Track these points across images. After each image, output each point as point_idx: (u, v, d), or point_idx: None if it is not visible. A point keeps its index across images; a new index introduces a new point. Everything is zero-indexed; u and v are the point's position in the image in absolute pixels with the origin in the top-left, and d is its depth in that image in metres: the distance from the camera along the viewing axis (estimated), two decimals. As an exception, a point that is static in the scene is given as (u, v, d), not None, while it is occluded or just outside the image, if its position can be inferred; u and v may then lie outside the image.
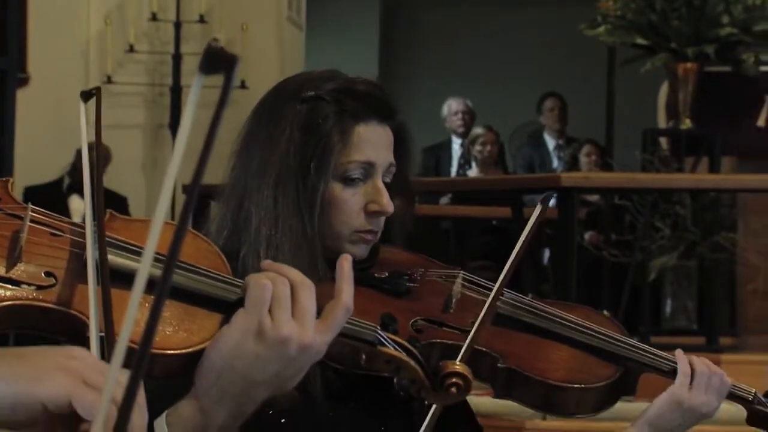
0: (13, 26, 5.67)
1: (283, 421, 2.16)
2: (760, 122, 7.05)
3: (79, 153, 8.59)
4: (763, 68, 6.86)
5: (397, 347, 1.93)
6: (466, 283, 2.42)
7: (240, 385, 1.74)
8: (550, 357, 2.40)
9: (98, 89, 1.81)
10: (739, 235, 6.57)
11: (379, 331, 1.92)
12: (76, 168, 8.72)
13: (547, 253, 9.51)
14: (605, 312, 2.68)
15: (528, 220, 2.44)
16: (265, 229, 2.23)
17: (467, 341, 2.24)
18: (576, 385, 2.38)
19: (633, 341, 2.49)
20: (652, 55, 6.85)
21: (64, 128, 8.75)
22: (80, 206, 8.59)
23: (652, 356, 2.49)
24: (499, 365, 2.28)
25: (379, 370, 1.96)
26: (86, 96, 1.79)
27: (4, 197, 1.71)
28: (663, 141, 7.07)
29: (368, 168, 2.29)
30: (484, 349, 2.31)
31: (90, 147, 1.83)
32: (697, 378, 2.44)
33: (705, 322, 6.70)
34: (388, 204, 2.28)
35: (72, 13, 9.39)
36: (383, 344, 1.92)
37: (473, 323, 2.27)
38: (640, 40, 6.88)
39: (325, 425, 2.31)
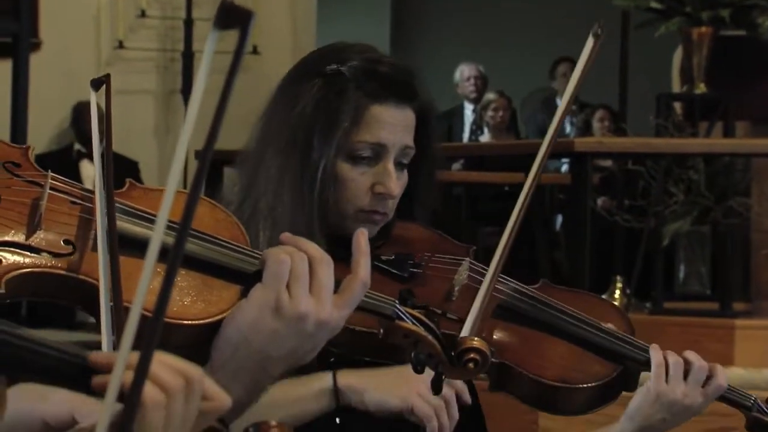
0: (27, -9, 5.67)
1: None
2: (774, 87, 7.03)
3: (77, 108, 8.62)
4: (778, 32, 6.85)
5: (415, 322, 1.92)
6: (472, 273, 2.37)
7: (256, 360, 1.74)
8: (546, 353, 2.36)
9: (108, 76, 1.80)
10: (753, 200, 6.53)
11: (398, 305, 1.91)
12: (78, 121, 8.70)
13: (559, 219, 9.51)
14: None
15: (536, 186, 2.39)
16: (265, 200, 2.24)
17: (466, 325, 2.19)
18: (570, 385, 2.34)
19: (634, 338, 2.43)
20: (667, 19, 6.80)
21: (75, 93, 8.76)
22: (91, 172, 8.57)
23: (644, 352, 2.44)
24: (492, 360, 2.24)
25: (397, 344, 1.95)
26: (97, 84, 1.78)
27: (24, 164, 1.70)
28: (677, 106, 7.04)
29: (379, 149, 2.28)
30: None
31: (99, 119, 1.82)
32: (672, 370, 2.40)
33: (718, 288, 6.67)
34: (394, 187, 2.27)
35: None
36: (401, 318, 1.91)
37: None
38: (654, 4, 6.84)
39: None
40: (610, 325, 2.42)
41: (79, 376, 1.19)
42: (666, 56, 7.57)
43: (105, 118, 1.76)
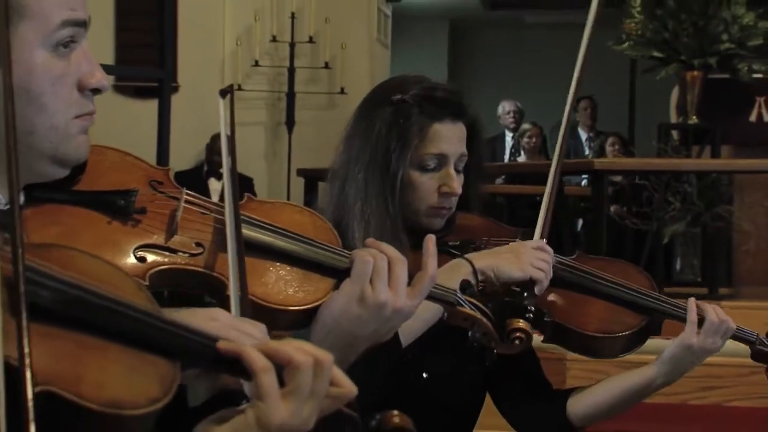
0: (169, 46, 5.72)
1: None
2: (752, 118, 7.00)
3: (213, 138, 8.68)
4: (755, 75, 6.84)
5: (472, 307, 1.91)
6: None
7: (345, 340, 1.73)
8: (587, 311, 2.37)
9: (232, 86, 1.78)
10: (735, 207, 6.51)
11: (459, 294, 1.91)
12: (211, 149, 8.77)
13: (580, 222, 9.44)
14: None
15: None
16: (358, 205, 2.24)
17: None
18: (608, 335, 2.35)
19: (657, 294, 2.43)
20: (666, 65, 6.79)
21: (205, 126, 8.80)
22: (217, 186, 8.64)
23: (672, 307, 2.43)
24: (545, 319, 2.22)
25: (458, 325, 1.94)
26: (223, 93, 1.76)
27: (165, 182, 1.69)
28: (674, 133, 7.00)
29: (441, 158, 2.29)
30: None
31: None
32: (707, 325, 2.39)
33: (707, 276, 6.62)
34: (457, 187, 2.29)
35: (211, 35, 9.44)
36: (461, 305, 1.90)
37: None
38: (656, 54, 6.82)
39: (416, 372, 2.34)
40: (637, 285, 2.43)
41: (209, 357, 1.15)
42: (665, 94, 7.50)
43: (230, 131, 1.73)
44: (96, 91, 1.48)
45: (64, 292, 1.05)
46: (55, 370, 0.98)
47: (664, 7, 6.75)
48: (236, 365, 1.14)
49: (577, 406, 2.49)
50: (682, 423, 4.70)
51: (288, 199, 8.96)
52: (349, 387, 1.21)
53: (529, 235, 2.39)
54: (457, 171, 2.31)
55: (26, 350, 0.94)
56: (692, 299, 2.44)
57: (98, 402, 1.00)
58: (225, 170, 1.71)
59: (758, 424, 4.40)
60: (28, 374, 0.94)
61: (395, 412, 1.21)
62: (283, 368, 1.15)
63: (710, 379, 4.86)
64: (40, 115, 1.41)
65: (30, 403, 0.93)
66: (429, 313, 2.02)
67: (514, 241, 2.37)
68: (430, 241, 1.83)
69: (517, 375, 2.47)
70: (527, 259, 2.22)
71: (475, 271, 2.18)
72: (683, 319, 2.41)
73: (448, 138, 2.29)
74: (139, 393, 1.04)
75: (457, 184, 2.29)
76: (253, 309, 1.64)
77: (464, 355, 2.26)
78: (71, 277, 1.07)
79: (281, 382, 1.15)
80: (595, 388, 2.51)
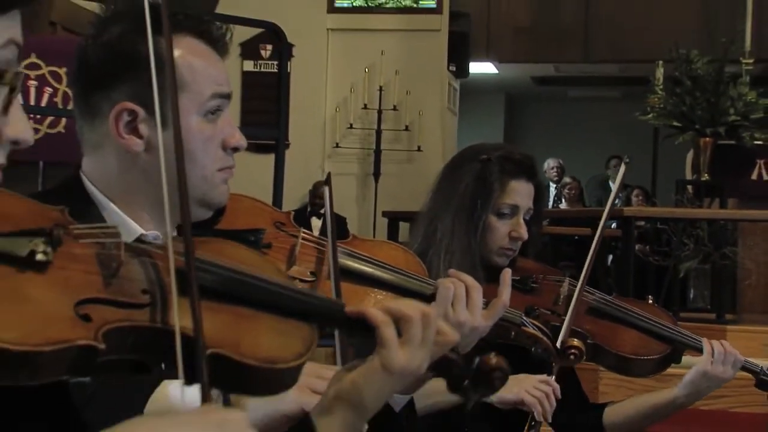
0: (283, 112, 5.80)
1: None
2: (754, 177, 6.89)
3: (315, 185, 8.75)
4: (756, 142, 6.72)
5: (535, 328, 1.91)
6: (571, 286, 2.36)
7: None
8: (622, 337, 2.35)
9: (329, 174, 1.81)
10: (739, 248, 6.38)
11: (524, 317, 1.90)
12: (313, 194, 8.82)
13: (610, 258, 9.34)
14: (653, 303, 2.60)
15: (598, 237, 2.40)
16: (445, 241, 2.23)
17: (565, 323, 2.22)
18: (639, 357, 2.34)
19: (679, 329, 2.41)
20: (683, 132, 6.69)
21: (309, 175, 8.89)
22: (317, 224, 8.66)
23: (691, 339, 2.41)
24: (588, 341, 2.22)
25: (522, 342, 1.93)
26: (327, 180, 1.80)
27: (287, 223, 1.72)
28: (689, 188, 6.89)
29: (514, 208, 2.28)
30: (579, 329, 2.27)
31: (322, 186, 1.83)
32: (717, 356, 2.37)
33: (715, 305, 6.48)
34: (524, 233, 2.28)
35: (316, 104, 9.48)
36: (526, 326, 1.89)
37: (570, 311, 2.25)
38: (675, 123, 6.72)
39: None
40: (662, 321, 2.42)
41: (340, 318, 1.16)
42: (682, 155, 7.41)
43: (329, 203, 1.77)
44: (236, 149, 1.50)
45: (222, 274, 1.07)
46: (220, 336, 0.99)
47: (682, 86, 6.67)
48: (361, 323, 1.14)
49: (612, 417, 2.47)
50: (693, 425, 4.63)
51: (374, 234, 8.98)
52: (452, 335, 1.20)
53: (576, 276, 2.37)
54: (524, 220, 2.31)
55: (198, 322, 0.97)
56: (706, 339, 2.42)
57: (255, 359, 1.01)
58: (329, 229, 1.70)
59: (758, 427, 4.34)
60: (201, 341, 0.96)
61: (492, 353, 1.18)
62: (398, 321, 1.15)
63: (717, 389, 4.80)
64: (193, 167, 1.42)
65: (203, 363, 0.95)
66: (442, 398, 1.97)
67: (563, 280, 2.37)
68: (507, 274, 1.82)
69: (563, 389, 2.41)
70: (524, 387, 2.16)
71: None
72: (699, 350, 2.39)
73: (521, 193, 2.29)
74: (287, 350, 1.05)
75: (524, 230, 2.28)
76: None
77: (523, 371, 2.22)
78: (226, 262, 1.09)
79: (398, 333, 1.14)
80: (627, 403, 2.49)
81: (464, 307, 1.71)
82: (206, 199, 1.48)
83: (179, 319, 0.97)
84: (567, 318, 2.21)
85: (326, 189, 1.76)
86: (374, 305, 1.65)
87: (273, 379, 1.03)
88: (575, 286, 2.34)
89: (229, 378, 0.99)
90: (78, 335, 0.89)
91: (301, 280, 1.66)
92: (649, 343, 2.36)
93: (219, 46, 1.48)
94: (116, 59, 1.41)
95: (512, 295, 2.13)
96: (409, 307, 1.16)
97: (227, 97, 1.49)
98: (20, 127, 0.97)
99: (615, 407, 2.48)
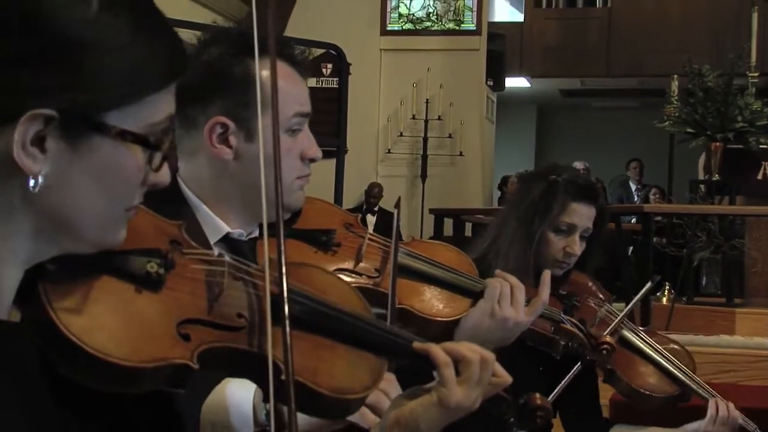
0: (343, 122, 5.80)
1: None
2: (759, 177, 6.77)
3: (370, 186, 8.73)
4: (762, 146, 6.61)
5: (571, 326, 1.89)
6: (608, 313, 2.26)
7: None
8: (639, 370, 2.27)
9: (399, 199, 1.78)
10: (746, 240, 6.27)
11: (563, 315, 1.87)
12: (368, 194, 8.80)
13: (630, 249, 9.21)
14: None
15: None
16: (504, 246, 2.19)
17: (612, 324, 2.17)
18: (649, 393, 2.24)
19: (696, 377, 2.31)
20: (696, 138, 6.60)
21: (364, 177, 8.90)
22: (372, 220, 8.66)
23: (702, 389, 2.31)
24: (608, 366, 2.16)
25: (560, 337, 1.91)
26: (397, 204, 1.78)
27: (355, 225, 1.68)
28: (702, 187, 6.78)
29: (571, 227, 2.21)
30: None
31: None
32: (719, 419, 2.27)
33: (725, 290, 6.39)
34: (577, 250, 2.21)
35: (370, 115, 9.46)
36: (564, 323, 1.87)
37: (606, 337, 2.16)
38: (689, 130, 6.64)
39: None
40: (685, 365, 2.32)
41: (406, 353, 1.12)
42: (695, 158, 7.29)
43: (396, 218, 1.73)
44: (312, 160, 1.49)
45: (310, 306, 1.03)
46: (300, 364, 0.95)
47: (695, 97, 6.59)
48: (425, 360, 1.11)
49: None
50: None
51: (421, 228, 8.95)
52: (505, 377, 1.17)
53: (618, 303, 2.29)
54: (582, 237, 2.23)
55: (289, 355, 0.93)
56: (713, 400, 2.30)
57: (328, 389, 0.98)
58: (394, 239, 1.66)
59: (763, 397, 4.27)
60: (290, 369, 0.93)
61: (537, 394, 1.16)
62: (459, 362, 1.12)
63: (726, 364, 4.75)
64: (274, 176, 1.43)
65: (291, 390, 0.91)
66: None
67: (606, 304, 2.29)
68: (547, 275, 1.80)
69: (580, 394, 2.34)
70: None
71: None
72: (706, 399, 2.30)
73: (580, 214, 2.21)
74: (356, 382, 1.01)
75: (578, 248, 2.20)
76: (411, 319, 1.61)
77: (552, 380, 2.15)
78: (314, 294, 1.05)
79: (457, 373, 1.12)
80: (636, 431, 2.43)
81: (509, 304, 1.69)
82: (285, 204, 1.46)
83: (272, 347, 0.93)
84: (614, 322, 2.16)
85: (396, 211, 1.74)
86: (429, 299, 1.65)
87: (341, 407, 1.00)
88: (611, 313, 2.25)
89: (300, 401, 0.95)
90: (176, 354, 0.87)
91: (368, 276, 1.63)
92: (662, 382, 2.27)
93: (301, 68, 1.46)
94: (213, 78, 1.40)
95: (555, 304, 2.07)
96: (470, 350, 1.13)
97: (307, 116, 1.48)
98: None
99: (623, 430, 2.41)
